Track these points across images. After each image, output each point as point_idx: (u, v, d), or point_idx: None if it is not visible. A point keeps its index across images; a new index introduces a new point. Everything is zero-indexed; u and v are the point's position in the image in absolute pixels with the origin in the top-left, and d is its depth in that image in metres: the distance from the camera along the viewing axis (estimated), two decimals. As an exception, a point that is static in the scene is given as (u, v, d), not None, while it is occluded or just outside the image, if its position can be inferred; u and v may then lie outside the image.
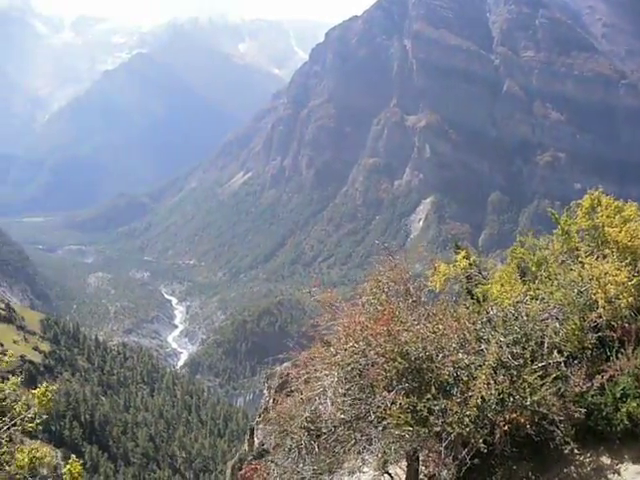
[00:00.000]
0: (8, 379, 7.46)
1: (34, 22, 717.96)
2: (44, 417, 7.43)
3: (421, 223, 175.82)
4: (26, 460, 6.89)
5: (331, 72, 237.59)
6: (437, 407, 7.84)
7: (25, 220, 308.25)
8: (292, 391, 9.68)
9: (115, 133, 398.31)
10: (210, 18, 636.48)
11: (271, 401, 26.25)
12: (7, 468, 6.50)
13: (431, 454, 8.67)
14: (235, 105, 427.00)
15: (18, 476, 6.67)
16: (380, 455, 8.75)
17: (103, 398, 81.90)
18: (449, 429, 7.79)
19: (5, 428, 7.25)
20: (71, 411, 66.88)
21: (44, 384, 7.03)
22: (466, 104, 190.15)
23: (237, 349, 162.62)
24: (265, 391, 29.06)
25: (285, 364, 22.35)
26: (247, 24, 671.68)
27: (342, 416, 8.48)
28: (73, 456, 7.03)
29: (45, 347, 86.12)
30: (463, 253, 11.64)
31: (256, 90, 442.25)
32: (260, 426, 29.90)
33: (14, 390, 7.74)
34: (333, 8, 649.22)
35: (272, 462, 9.93)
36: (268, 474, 10.14)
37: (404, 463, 9.20)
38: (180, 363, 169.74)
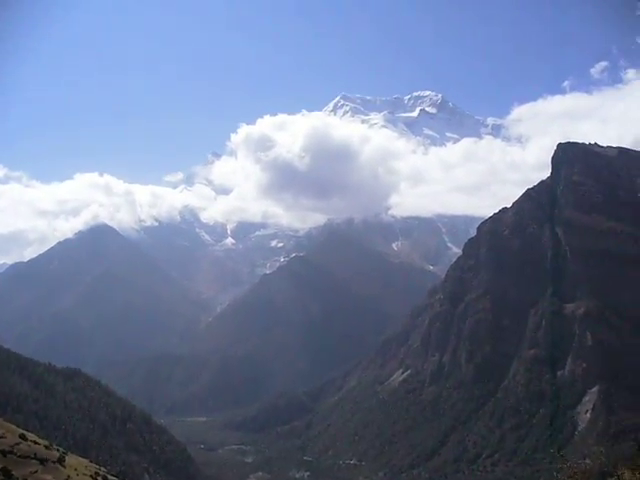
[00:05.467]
0: None
1: (200, 232, 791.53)
2: None
3: (588, 414, 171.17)
4: None
5: (485, 265, 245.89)
6: None
7: (188, 419, 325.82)
8: None
9: (274, 333, 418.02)
10: (364, 219, 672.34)
11: None
12: None
13: None
14: (391, 303, 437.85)
15: None
16: None
17: None
18: None
19: None
20: None
21: None
22: (625, 288, 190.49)
23: None
24: None
25: None
26: (399, 222, 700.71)
27: None
28: None
29: None
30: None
31: (412, 287, 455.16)
32: None
33: None
34: (482, 202, 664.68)
35: None
36: None
37: None
38: None
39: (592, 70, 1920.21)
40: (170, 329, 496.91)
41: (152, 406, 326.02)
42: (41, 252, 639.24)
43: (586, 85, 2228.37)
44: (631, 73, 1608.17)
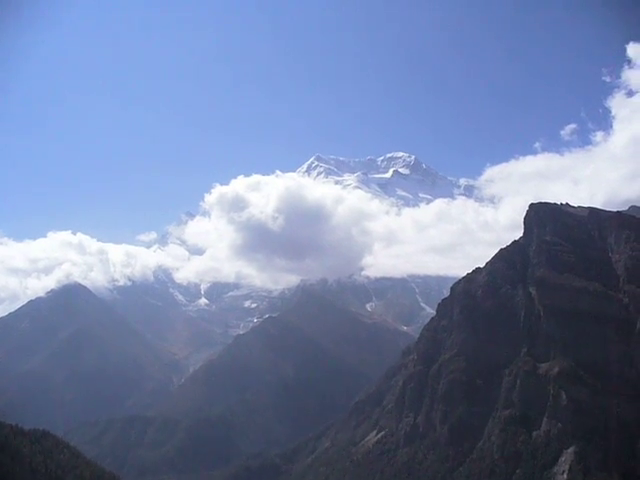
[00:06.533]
0: None
1: (174, 292, 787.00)
2: None
3: (565, 475, 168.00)
4: None
5: (459, 325, 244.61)
6: None
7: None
8: None
9: (247, 394, 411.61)
10: (338, 279, 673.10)
11: None
12: None
13: None
14: (365, 363, 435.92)
15: None
16: None
17: None
18: None
19: None
20: None
21: None
22: (599, 346, 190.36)
23: None
24: None
25: None
26: (373, 283, 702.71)
27: None
28: None
29: None
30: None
31: (386, 348, 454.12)
32: None
33: None
34: (455, 263, 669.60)
35: None
36: None
37: None
38: None
39: (562, 132, 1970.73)
40: (142, 390, 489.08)
41: (122, 468, 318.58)
42: (11, 310, 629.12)
43: (557, 146, 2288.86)
44: (599, 136, 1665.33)
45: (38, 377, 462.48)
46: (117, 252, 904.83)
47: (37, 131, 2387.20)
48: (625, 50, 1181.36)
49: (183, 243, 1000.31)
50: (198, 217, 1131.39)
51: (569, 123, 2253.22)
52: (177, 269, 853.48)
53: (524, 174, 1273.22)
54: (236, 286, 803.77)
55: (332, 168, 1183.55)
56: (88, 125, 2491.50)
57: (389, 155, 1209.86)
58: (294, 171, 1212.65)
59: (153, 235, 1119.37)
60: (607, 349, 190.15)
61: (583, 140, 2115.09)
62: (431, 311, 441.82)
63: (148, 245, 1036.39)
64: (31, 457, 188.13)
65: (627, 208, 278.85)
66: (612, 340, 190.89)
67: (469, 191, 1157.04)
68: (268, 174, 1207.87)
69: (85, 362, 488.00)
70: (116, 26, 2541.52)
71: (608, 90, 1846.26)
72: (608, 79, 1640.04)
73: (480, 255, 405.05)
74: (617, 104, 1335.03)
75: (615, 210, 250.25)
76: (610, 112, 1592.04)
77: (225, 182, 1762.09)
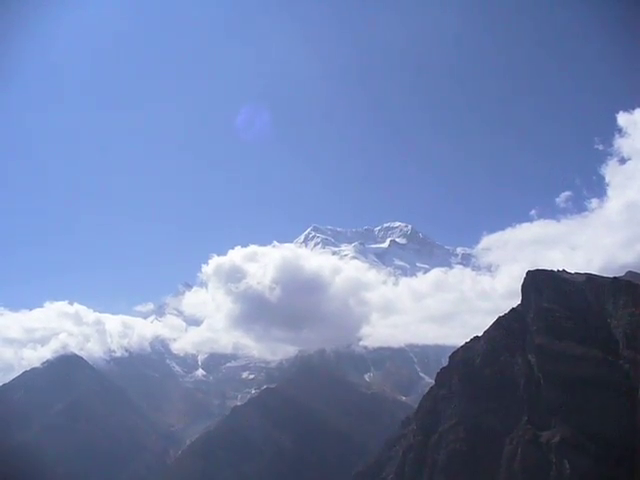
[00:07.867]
0: None
1: (171, 363, 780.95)
2: None
3: None
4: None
5: (458, 395, 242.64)
6: None
7: None
8: None
9: (245, 466, 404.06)
10: (336, 350, 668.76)
11: None
12: None
13: None
14: (364, 434, 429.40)
15: None
16: None
17: None
18: None
19: None
20: None
21: None
22: (600, 414, 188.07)
23: None
24: None
25: None
26: (371, 353, 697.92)
27: None
28: None
29: None
30: None
31: (384, 418, 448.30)
32: None
33: None
34: (453, 332, 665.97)
35: None
36: None
37: None
38: None
39: (557, 199, 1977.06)
40: (139, 462, 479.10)
41: None
42: (6, 381, 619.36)
43: (552, 213, 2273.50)
44: (594, 202, 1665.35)
45: (32, 450, 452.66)
46: (114, 323, 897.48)
47: (34, 199, 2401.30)
48: (616, 119, 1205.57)
49: (180, 314, 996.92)
50: (195, 288, 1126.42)
51: (564, 190, 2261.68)
52: (174, 340, 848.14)
53: (521, 241, 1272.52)
54: (233, 357, 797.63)
55: (329, 238, 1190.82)
56: (84, 194, 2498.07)
57: (386, 225, 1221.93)
58: (291, 242, 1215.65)
59: (150, 306, 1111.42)
60: (609, 416, 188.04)
61: (578, 207, 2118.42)
62: (430, 381, 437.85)
63: (145, 316, 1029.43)
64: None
65: (624, 274, 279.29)
66: (614, 407, 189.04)
67: (466, 260, 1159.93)
68: (265, 245, 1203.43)
69: (80, 434, 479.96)
70: (102, 88, 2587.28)
71: (601, 158, 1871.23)
72: (601, 147, 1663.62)
73: (478, 324, 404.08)
74: (611, 171, 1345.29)
75: (612, 276, 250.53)
76: (604, 179, 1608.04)
77: (222, 253, 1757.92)
